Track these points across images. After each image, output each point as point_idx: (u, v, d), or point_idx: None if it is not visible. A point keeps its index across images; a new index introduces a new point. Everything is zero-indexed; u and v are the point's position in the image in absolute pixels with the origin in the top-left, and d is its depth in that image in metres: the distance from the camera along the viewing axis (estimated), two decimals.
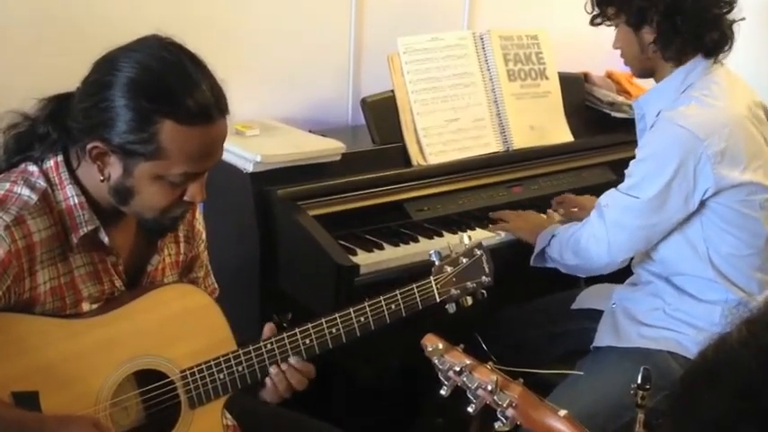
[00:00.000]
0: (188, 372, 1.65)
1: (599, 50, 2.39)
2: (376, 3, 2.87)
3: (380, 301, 1.79)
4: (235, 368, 1.68)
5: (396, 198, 2.48)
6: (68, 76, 1.55)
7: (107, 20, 2.32)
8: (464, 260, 1.89)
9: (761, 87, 2.32)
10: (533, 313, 2.52)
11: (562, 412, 1.43)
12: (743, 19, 2.17)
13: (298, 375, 1.72)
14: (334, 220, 2.33)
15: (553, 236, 2.26)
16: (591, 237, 2.16)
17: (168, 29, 1.54)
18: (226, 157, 2.28)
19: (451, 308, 1.88)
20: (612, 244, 2.12)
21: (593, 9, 2.24)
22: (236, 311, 1.89)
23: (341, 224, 2.35)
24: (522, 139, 2.74)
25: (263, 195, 2.30)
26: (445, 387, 1.54)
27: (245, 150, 2.30)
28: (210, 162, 1.56)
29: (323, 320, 1.75)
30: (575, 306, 2.43)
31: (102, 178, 1.53)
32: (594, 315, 2.33)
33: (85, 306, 1.60)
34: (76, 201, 1.56)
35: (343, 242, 2.30)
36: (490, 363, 1.52)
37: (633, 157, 2.17)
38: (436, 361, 1.54)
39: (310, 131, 2.60)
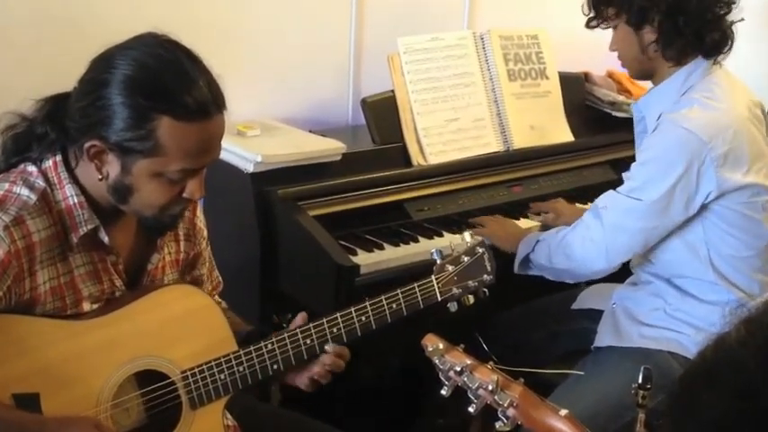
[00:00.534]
0: (189, 372, 1.65)
1: (599, 50, 2.38)
2: (376, 3, 2.87)
3: (382, 301, 1.79)
4: (236, 368, 1.68)
5: (396, 198, 2.49)
6: (67, 77, 1.55)
7: (106, 20, 2.32)
8: (466, 258, 1.88)
9: (761, 88, 2.32)
10: (534, 313, 2.52)
11: (563, 412, 1.42)
12: (742, 20, 2.16)
13: (338, 361, 1.75)
14: (335, 220, 2.33)
15: (538, 241, 2.23)
16: (586, 239, 2.13)
17: (168, 29, 1.54)
18: (226, 157, 2.29)
19: (453, 306, 1.88)
20: (610, 246, 2.10)
21: (590, 11, 2.23)
22: (237, 311, 1.90)
23: (341, 224, 2.35)
24: (522, 139, 2.74)
25: (264, 195, 2.30)
26: (446, 387, 1.54)
27: (245, 150, 2.30)
28: (209, 158, 1.55)
29: (324, 320, 1.75)
30: (575, 306, 2.43)
31: (100, 177, 1.53)
32: (595, 315, 2.33)
33: (86, 306, 1.59)
34: (76, 200, 1.55)
35: (343, 242, 2.30)
36: (491, 363, 1.52)
37: (634, 157, 2.16)
38: (437, 361, 1.54)
39: (311, 131, 2.60)
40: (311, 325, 1.74)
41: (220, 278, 1.94)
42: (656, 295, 2.20)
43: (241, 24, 2.64)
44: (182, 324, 1.67)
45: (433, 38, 2.64)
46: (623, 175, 2.16)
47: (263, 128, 2.49)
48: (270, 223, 2.30)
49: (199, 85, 1.49)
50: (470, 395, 1.50)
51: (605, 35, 2.28)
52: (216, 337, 1.70)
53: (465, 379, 1.49)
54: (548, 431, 1.42)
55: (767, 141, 2.18)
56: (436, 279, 1.85)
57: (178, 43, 1.53)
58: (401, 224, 2.46)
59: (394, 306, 1.79)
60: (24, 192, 1.53)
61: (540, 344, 2.43)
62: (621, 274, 2.26)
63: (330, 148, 2.41)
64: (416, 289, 1.82)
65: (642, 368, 1.45)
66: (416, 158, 2.55)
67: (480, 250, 1.90)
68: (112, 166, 1.52)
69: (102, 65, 1.50)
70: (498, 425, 1.48)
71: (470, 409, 1.49)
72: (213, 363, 1.67)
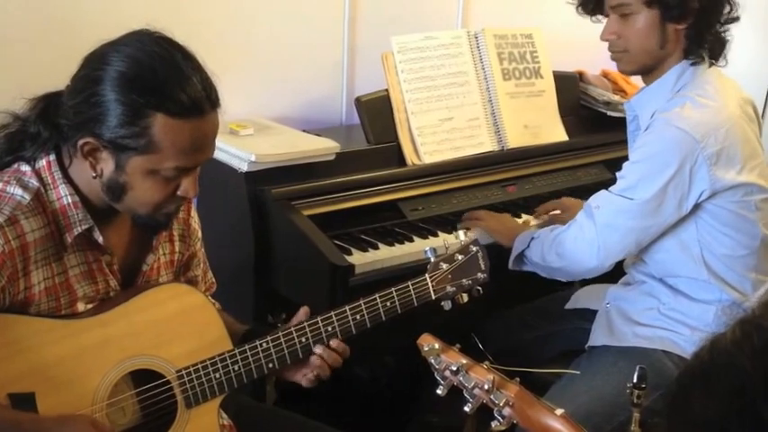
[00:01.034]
0: (184, 371, 1.65)
1: (594, 49, 2.38)
2: (370, 1, 2.86)
3: (376, 299, 1.79)
4: (231, 367, 1.68)
5: (390, 197, 2.48)
6: (60, 76, 1.54)
7: (99, 19, 2.31)
8: (459, 257, 1.89)
9: (761, 88, 2.32)
10: (528, 313, 2.52)
11: (559, 411, 1.43)
12: (737, 19, 2.16)
13: (335, 355, 1.76)
14: (329, 220, 2.33)
15: (533, 238, 2.23)
16: (579, 238, 2.13)
17: (161, 28, 1.54)
18: (220, 156, 2.29)
19: (447, 305, 1.88)
20: (602, 246, 2.09)
21: None
22: (231, 311, 1.89)
23: (335, 224, 2.35)
24: (516, 139, 2.74)
25: (258, 195, 2.30)
26: (442, 387, 1.54)
27: (239, 150, 2.30)
28: (203, 156, 1.55)
29: (318, 318, 1.75)
30: (569, 306, 2.43)
31: (94, 175, 1.52)
32: (589, 315, 2.33)
33: (80, 306, 1.59)
34: (70, 200, 1.55)
35: (337, 242, 2.30)
36: (486, 362, 1.52)
37: (628, 156, 2.17)
38: (433, 361, 1.54)
39: (304, 131, 2.60)
40: (306, 323, 1.74)
41: (214, 279, 1.94)
42: (649, 295, 2.20)
43: (234, 23, 2.64)
44: (177, 323, 1.67)
45: (427, 37, 2.64)
46: (616, 174, 2.16)
47: (257, 127, 2.49)
48: (264, 223, 2.30)
49: (193, 82, 1.49)
50: (466, 395, 1.51)
51: (600, 34, 2.26)
52: (211, 336, 1.70)
53: (461, 378, 1.50)
54: (543, 430, 1.43)
55: (759, 140, 2.18)
56: (430, 277, 1.85)
57: (172, 40, 1.53)
58: (396, 224, 2.46)
59: (388, 304, 1.80)
60: (18, 192, 1.53)
61: (534, 344, 2.44)
62: (615, 273, 2.26)
63: (324, 147, 2.40)
64: (410, 287, 1.83)
65: (637, 368, 1.46)
66: (411, 158, 2.55)
67: (474, 248, 1.91)
68: (107, 164, 1.51)
69: (96, 62, 1.50)
70: (494, 424, 1.48)
71: (466, 409, 1.50)
72: (208, 362, 1.67)
